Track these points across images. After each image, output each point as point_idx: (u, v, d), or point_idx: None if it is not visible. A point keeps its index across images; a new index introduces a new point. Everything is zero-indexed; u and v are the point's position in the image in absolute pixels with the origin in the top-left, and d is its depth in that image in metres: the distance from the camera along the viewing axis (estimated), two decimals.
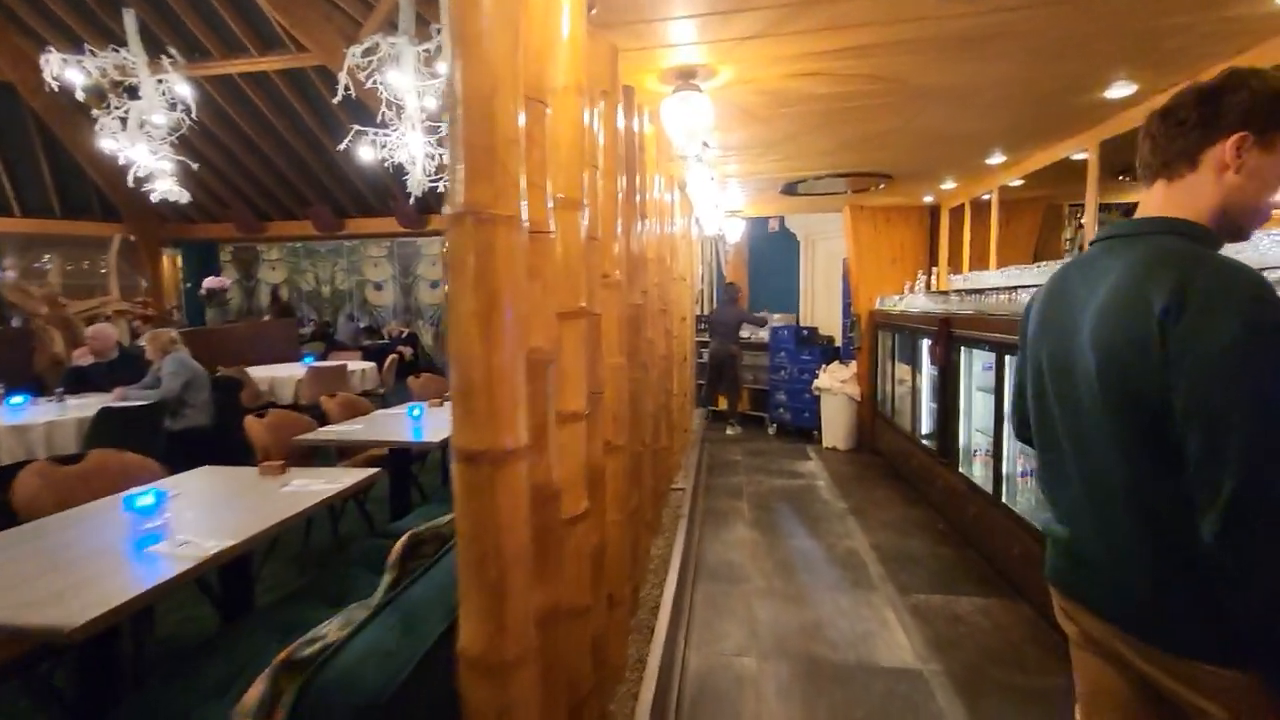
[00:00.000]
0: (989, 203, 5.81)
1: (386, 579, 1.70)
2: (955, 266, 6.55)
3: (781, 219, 9.20)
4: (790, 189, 5.59)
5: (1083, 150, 4.11)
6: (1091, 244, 1.38)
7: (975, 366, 4.36)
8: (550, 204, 1.30)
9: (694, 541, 4.20)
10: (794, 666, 2.89)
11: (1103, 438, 1.22)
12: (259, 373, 7.08)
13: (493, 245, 1.03)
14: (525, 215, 1.11)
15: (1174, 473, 1.11)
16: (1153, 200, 1.29)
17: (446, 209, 1.07)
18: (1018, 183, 5.33)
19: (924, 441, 5.38)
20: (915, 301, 6.04)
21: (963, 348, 4.36)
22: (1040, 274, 3.98)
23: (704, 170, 3.97)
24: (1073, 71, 2.88)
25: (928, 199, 6.47)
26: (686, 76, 2.62)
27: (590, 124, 1.70)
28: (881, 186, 5.51)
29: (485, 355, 1.02)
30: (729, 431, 7.97)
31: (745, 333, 8.38)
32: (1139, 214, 1.31)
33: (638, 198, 2.71)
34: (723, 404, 8.19)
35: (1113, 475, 1.21)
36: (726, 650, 3.00)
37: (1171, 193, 1.26)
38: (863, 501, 5.30)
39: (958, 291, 5.12)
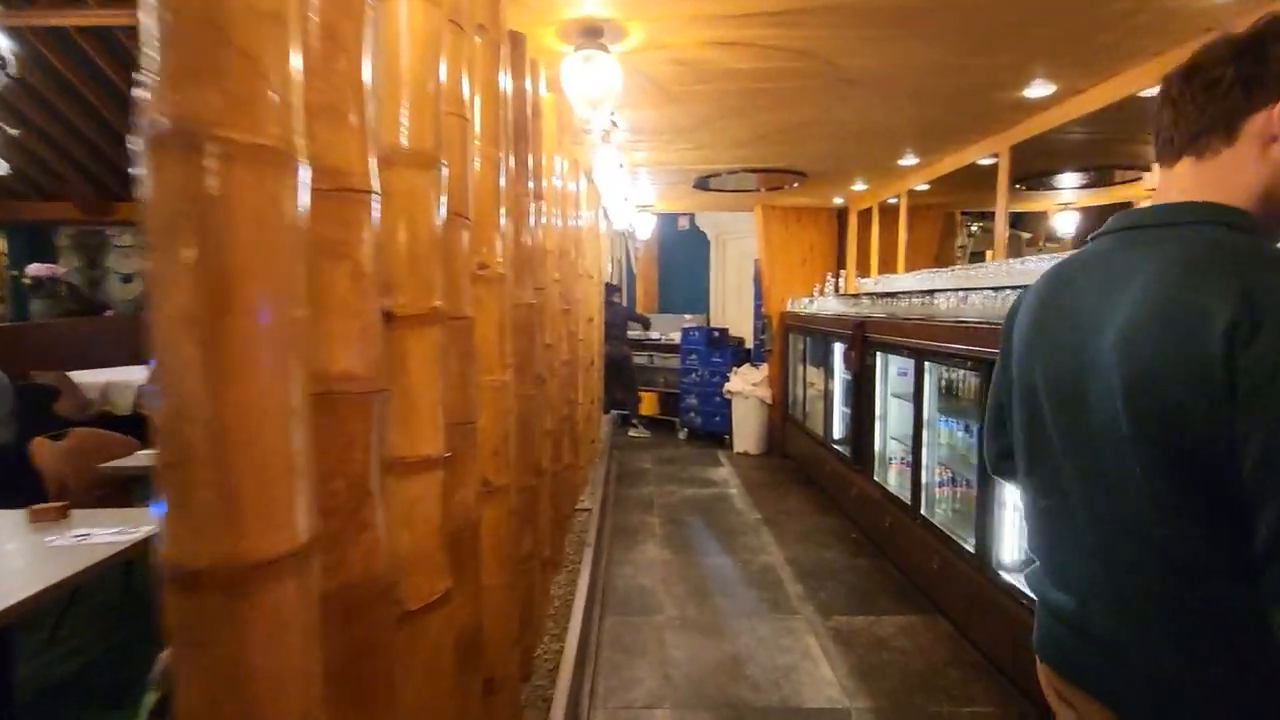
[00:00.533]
0: (896, 206, 5.81)
1: (149, 700, 1.18)
2: (863, 269, 6.55)
3: (692, 217, 9.00)
4: (703, 184, 5.32)
5: (993, 154, 4.07)
6: (1095, 237, 1.09)
7: (891, 372, 4.24)
8: (373, 153, 0.84)
9: (601, 570, 3.80)
10: (714, 716, 2.55)
11: (1129, 487, 0.92)
12: (91, 378, 5.97)
13: (226, 194, 0.57)
14: (304, 154, 0.65)
15: (1230, 538, 0.83)
16: (1177, 182, 1.00)
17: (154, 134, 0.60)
18: (923, 187, 5.33)
19: (837, 447, 5.27)
20: (826, 304, 5.95)
21: (878, 353, 4.23)
22: (956, 278, 3.90)
23: (612, 154, 3.58)
24: (999, 64, 2.73)
25: (838, 200, 6.43)
26: (592, 34, 2.21)
27: (456, 59, 1.25)
28: (795, 185, 5.35)
29: (210, 395, 0.57)
30: (632, 434, 7.66)
31: (655, 333, 8.09)
32: (1159, 199, 1.03)
33: (531, 181, 2.27)
34: (642, 407, 7.88)
35: (1140, 535, 0.92)
36: (637, 701, 2.62)
37: (1202, 172, 0.97)
38: (776, 511, 5.11)
39: (869, 294, 5.03)
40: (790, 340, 6.75)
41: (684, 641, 3.12)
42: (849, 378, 4.81)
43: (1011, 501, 2.84)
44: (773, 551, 4.29)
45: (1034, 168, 5.00)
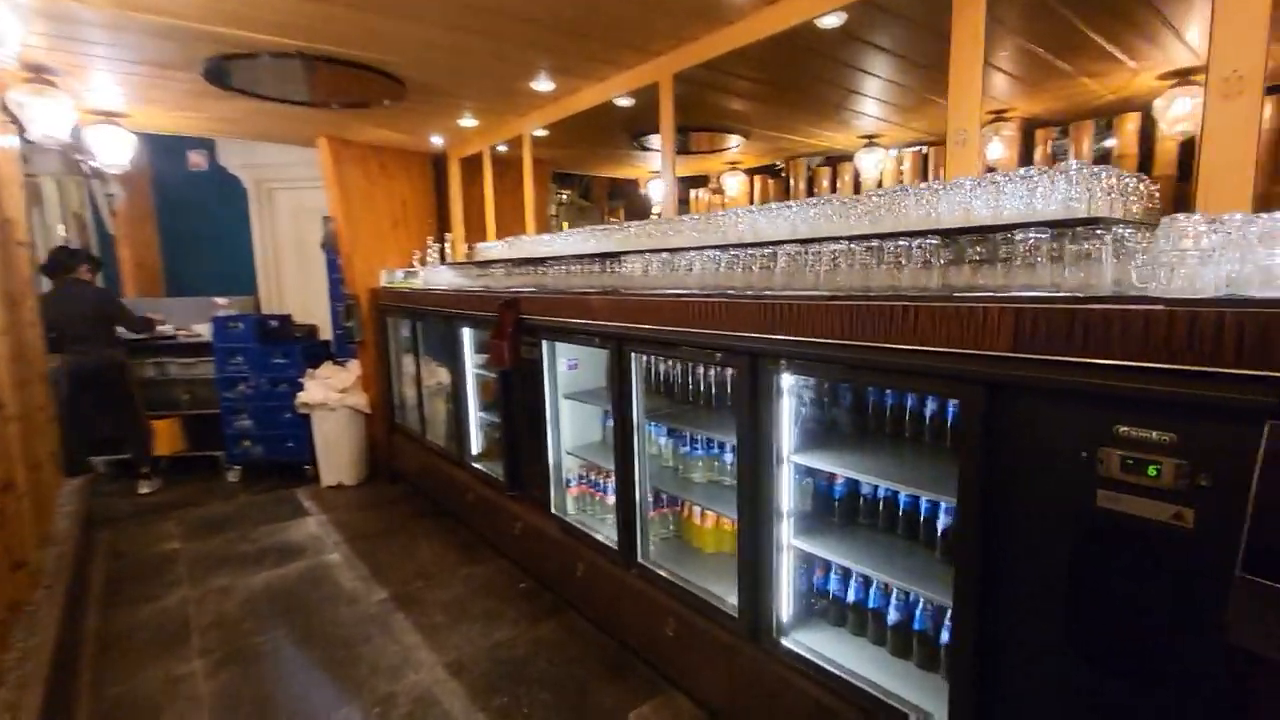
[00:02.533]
0: (509, 158, 4.70)
1: None
2: (474, 233, 5.29)
3: (212, 150, 6.15)
4: (219, 73, 3.14)
5: (646, 83, 3.27)
6: None
7: (559, 366, 3.13)
8: None
9: None
10: None
11: None
12: None
13: None
14: None
15: None
16: None
17: None
18: (541, 133, 4.35)
19: (480, 467, 3.97)
20: (439, 276, 4.49)
21: (545, 340, 3.06)
22: (630, 238, 2.97)
23: None
24: None
25: (436, 141, 4.94)
26: None
27: None
28: (386, 103, 3.66)
29: None
30: (143, 491, 4.86)
31: (167, 327, 5.24)
32: None
33: None
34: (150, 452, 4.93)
35: None
36: None
37: None
38: (408, 577, 3.53)
39: (504, 262, 3.81)
40: (391, 326, 5.05)
41: None
42: (498, 376, 3.53)
43: (788, 539, 2.06)
44: (423, 660, 2.77)
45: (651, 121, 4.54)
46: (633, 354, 2.49)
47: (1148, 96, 3.82)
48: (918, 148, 5.05)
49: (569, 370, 3.15)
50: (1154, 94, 3.77)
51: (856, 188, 5.53)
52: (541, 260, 3.46)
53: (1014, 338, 1.37)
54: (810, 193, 5.80)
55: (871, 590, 2.03)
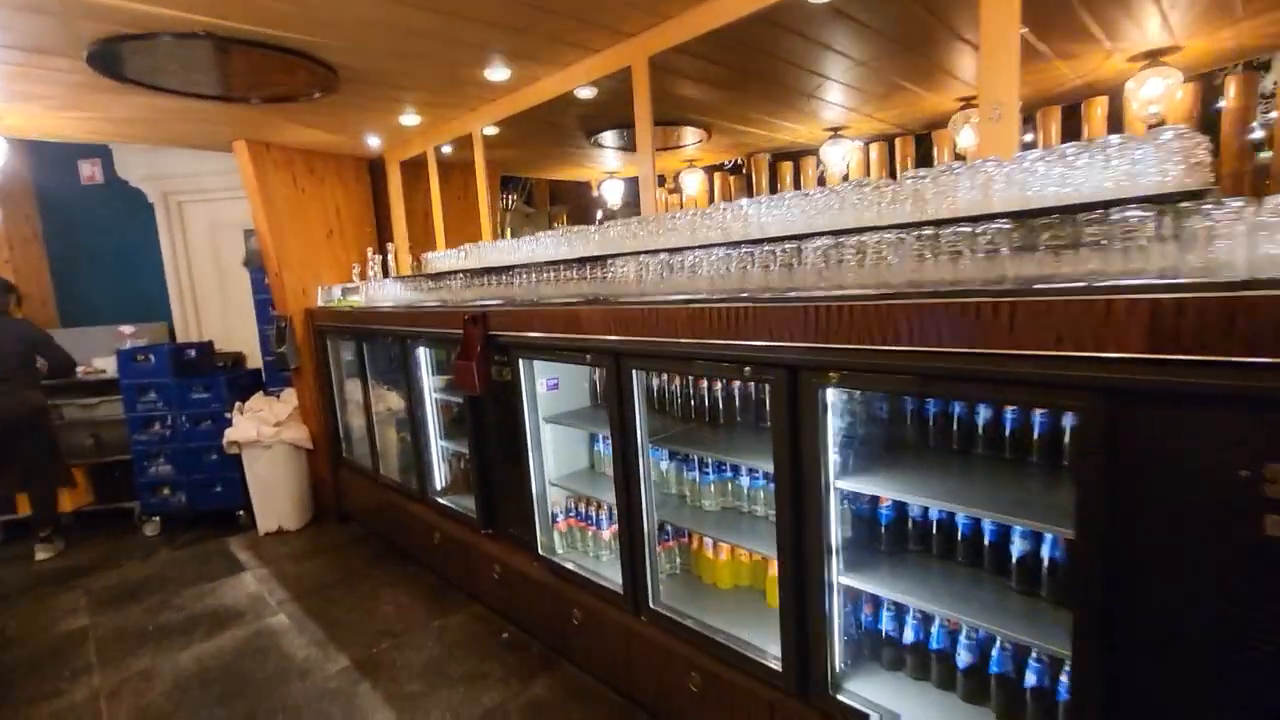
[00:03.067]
0: (457, 161, 4.30)
1: None
2: (419, 244, 4.84)
3: (108, 159, 5.42)
4: (109, 58, 2.63)
5: (617, 67, 2.96)
6: None
7: (537, 388, 2.77)
8: None
9: None
10: None
11: None
12: None
13: None
14: None
15: None
16: None
17: None
18: (492, 130, 3.98)
19: (445, 502, 3.54)
20: (385, 291, 4.04)
21: (521, 360, 2.69)
22: (614, 240, 2.65)
23: None
24: None
25: (372, 142, 4.46)
26: None
27: None
28: (316, 95, 3.20)
29: None
30: (41, 557, 4.20)
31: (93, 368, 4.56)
32: None
33: None
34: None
35: None
36: None
37: None
38: (371, 637, 3.08)
39: (463, 273, 3.41)
40: (332, 349, 4.53)
41: None
42: (459, 400, 3.13)
43: (837, 576, 1.78)
44: None
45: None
46: (634, 371, 2.17)
47: (1116, 80, 3.79)
48: (885, 140, 4.94)
49: (549, 391, 2.80)
50: (1123, 77, 3.74)
51: (821, 183, 5.39)
52: (507, 269, 3.08)
53: (1149, 335, 1.13)
54: (773, 189, 5.63)
55: (934, 629, 1.77)
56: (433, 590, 3.51)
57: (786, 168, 5.46)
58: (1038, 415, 1.63)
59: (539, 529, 2.80)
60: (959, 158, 4.45)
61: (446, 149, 4.39)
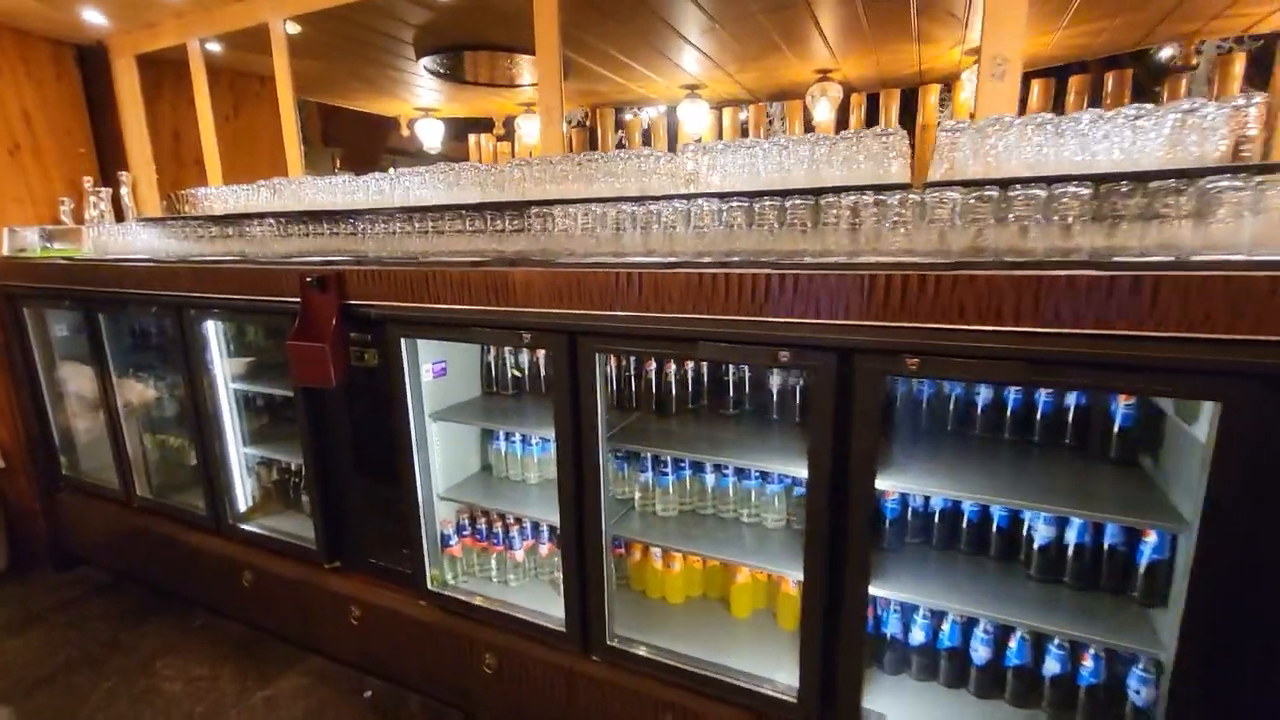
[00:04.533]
0: (232, 65, 3.16)
1: None
2: (170, 175, 3.56)
3: None
4: None
5: None
6: None
7: (422, 376, 2.09)
8: None
9: None
10: None
11: None
12: None
13: None
14: None
15: None
16: None
17: None
18: (295, 28, 2.99)
19: (252, 528, 2.62)
20: (129, 239, 2.85)
21: (404, 338, 1.99)
22: (515, 185, 2.06)
23: None
24: None
25: (91, 18, 3.06)
26: None
27: None
28: None
29: None
30: None
31: None
32: None
33: None
34: None
35: None
36: None
37: None
38: None
39: (266, 218, 2.48)
40: (33, 322, 3.10)
41: None
42: (304, 397, 2.27)
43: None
44: None
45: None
46: (595, 354, 1.67)
47: (952, 70, 4.12)
48: (737, 105, 4.85)
49: (436, 379, 2.13)
50: (956, 69, 4.07)
51: (671, 145, 5.15)
52: (350, 215, 2.29)
53: None
54: (620, 147, 5.24)
55: (976, 632, 1.64)
56: (244, 648, 2.60)
57: (635, 125, 5.11)
58: (1120, 405, 1.54)
59: (427, 557, 2.15)
60: (809, 129, 4.54)
61: (215, 46, 3.21)
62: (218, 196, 2.92)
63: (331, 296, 2.02)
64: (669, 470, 1.95)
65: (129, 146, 3.45)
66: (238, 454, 2.68)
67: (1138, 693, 1.47)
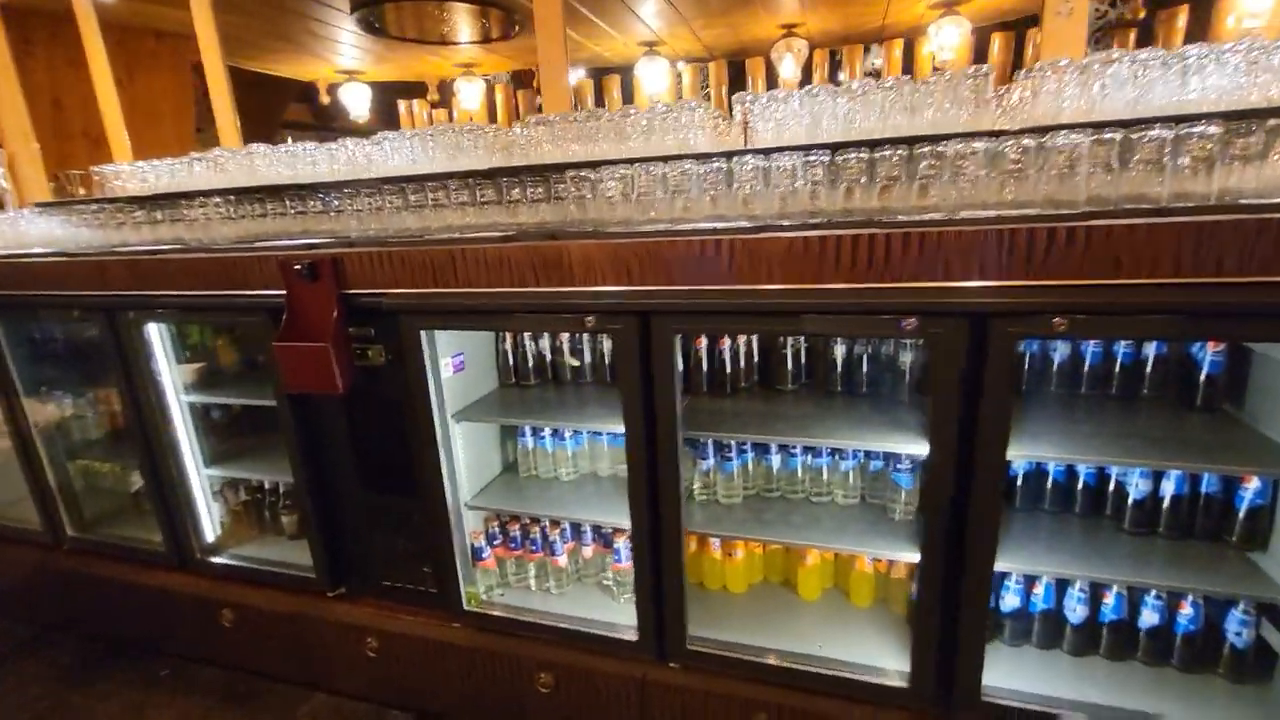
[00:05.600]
0: (121, 21, 2.63)
1: None
2: (51, 151, 2.99)
3: None
4: None
5: None
6: None
7: (442, 372, 1.81)
8: None
9: None
10: None
11: None
12: None
13: None
14: None
15: None
16: None
17: None
18: None
19: (227, 561, 2.26)
20: (30, 229, 2.35)
21: (422, 330, 1.70)
22: (530, 149, 1.80)
23: None
24: None
25: None
26: None
27: None
28: None
29: None
30: None
31: None
32: None
33: None
34: None
35: None
36: None
37: None
38: None
39: (212, 195, 2.08)
40: None
41: None
42: (289, 405, 1.93)
43: None
44: None
45: None
46: (673, 335, 1.48)
47: (915, 24, 4.08)
48: (699, 63, 4.63)
49: (456, 374, 1.86)
50: (920, 23, 4.04)
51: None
52: (328, 188, 1.95)
53: None
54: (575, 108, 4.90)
55: (1071, 591, 1.60)
56: (232, 694, 2.26)
57: (586, 86, 4.80)
58: (1209, 352, 1.51)
59: (461, 573, 1.90)
60: (772, 87, 4.40)
61: None
62: (134, 174, 2.44)
63: (326, 286, 1.70)
64: (733, 455, 1.80)
65: (2, 117, 2.84)
66: (199, 476, 2.29)
67: (1238, 634, 1.49)
